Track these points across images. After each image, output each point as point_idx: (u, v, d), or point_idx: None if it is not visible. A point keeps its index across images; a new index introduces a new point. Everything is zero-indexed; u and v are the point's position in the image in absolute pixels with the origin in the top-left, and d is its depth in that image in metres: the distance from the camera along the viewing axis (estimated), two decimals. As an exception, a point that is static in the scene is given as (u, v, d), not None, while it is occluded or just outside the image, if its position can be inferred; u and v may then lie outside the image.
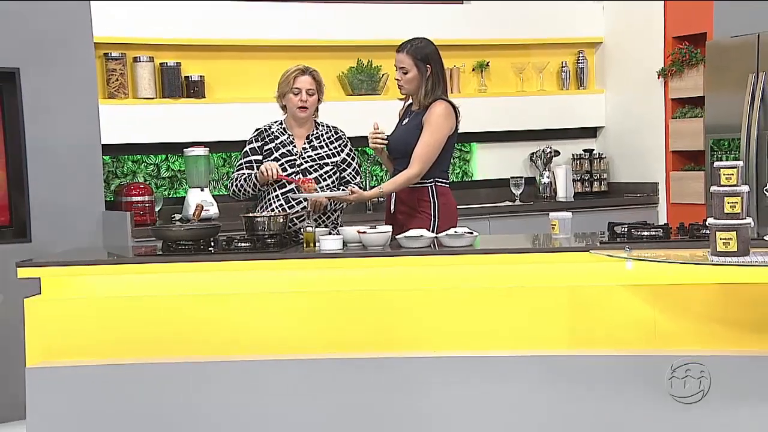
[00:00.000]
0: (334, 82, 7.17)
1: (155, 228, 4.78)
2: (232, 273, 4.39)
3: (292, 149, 5.11)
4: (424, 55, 5.04)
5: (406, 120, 5.15)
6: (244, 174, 5.10)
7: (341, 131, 5.27)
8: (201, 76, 6.75)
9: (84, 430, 4.24)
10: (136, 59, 6.58)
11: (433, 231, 4.96)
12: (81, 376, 4.24)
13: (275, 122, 5.22)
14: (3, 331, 5.21)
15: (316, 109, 5.23)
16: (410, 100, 5.19)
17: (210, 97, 6.80)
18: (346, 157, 5.21)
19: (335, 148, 5.19)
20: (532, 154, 7.76)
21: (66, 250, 5.16)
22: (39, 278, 4.43)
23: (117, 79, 6.50)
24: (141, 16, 6.52)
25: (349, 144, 5.26)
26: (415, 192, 5.06)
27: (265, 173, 4.98)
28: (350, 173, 5.22)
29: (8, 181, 5.76)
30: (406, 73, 5.05)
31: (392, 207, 5.15)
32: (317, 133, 5.19)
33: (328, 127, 5.24)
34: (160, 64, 6.63)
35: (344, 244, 4.49)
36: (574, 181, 7.73)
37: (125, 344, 4.30)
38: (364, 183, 7.13)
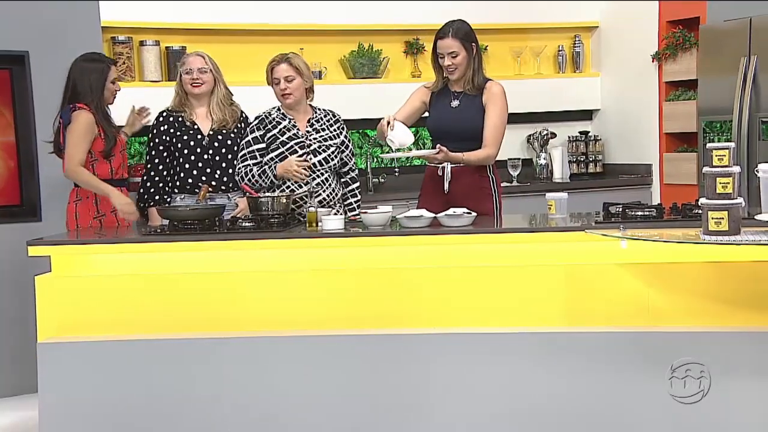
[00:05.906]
0: (336, 65, 7.22)
1: (162, 208, 4.82)
2: (237, 252, 4.43)
3: (297, 132, 5.16)
4: (468, 34, 5.00)
5: (457, 103, 5.08)
6: (252, 169, 5.13)
7: (337, 114, 5.33)
8: (206, 60, 6.82)
9: (93, 403, 4.30)
10: (142, 43, 6.63)
11: (495, 206, 5.03)
12: (90, 351, 4.30)
13: (273, 108, 5.24)
14: (16, 308, 5.29)
15: (312, 92, 5.27)
16: (436, 84, 5.16)
17: (214, 79, 6.86)
18: (344, 140, 5.28)
19: (335, 130, 5.25)
20: (529, 136, 7.79)
21: (75, 229, 5.17)
22: (49, 256, 4.48)
23: (124, 63, 6.53)
24: (147, 1, 6.54)
25: (345, 127, 5.33)
26: (476, 170, 5.04)
27: (289, 168, 5.02)
28: (347, 155, 5.30)
29: (19, 162, 5.77)
30: (455, 57, 4.97)
31: (446, 187, 5.00)
32: (317, 116, 5.24)
33: (324, 110, 5.29)
34: (166, 47, 6.67)
35: (345, 223, 4.53)
36: (570, 162, 7.77)
37: (133, 320, 4.36)
38: (365, 164, 7.24)
